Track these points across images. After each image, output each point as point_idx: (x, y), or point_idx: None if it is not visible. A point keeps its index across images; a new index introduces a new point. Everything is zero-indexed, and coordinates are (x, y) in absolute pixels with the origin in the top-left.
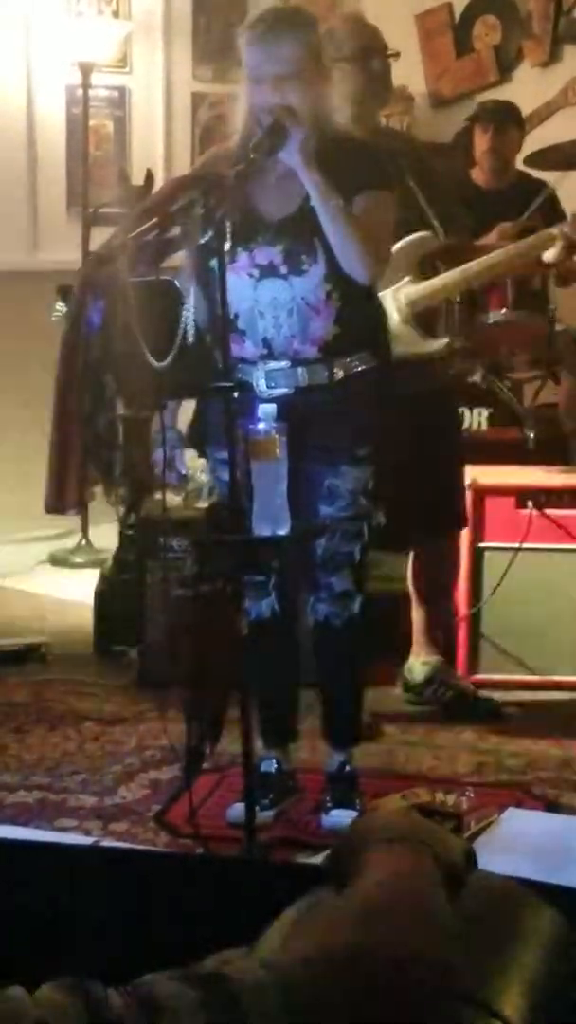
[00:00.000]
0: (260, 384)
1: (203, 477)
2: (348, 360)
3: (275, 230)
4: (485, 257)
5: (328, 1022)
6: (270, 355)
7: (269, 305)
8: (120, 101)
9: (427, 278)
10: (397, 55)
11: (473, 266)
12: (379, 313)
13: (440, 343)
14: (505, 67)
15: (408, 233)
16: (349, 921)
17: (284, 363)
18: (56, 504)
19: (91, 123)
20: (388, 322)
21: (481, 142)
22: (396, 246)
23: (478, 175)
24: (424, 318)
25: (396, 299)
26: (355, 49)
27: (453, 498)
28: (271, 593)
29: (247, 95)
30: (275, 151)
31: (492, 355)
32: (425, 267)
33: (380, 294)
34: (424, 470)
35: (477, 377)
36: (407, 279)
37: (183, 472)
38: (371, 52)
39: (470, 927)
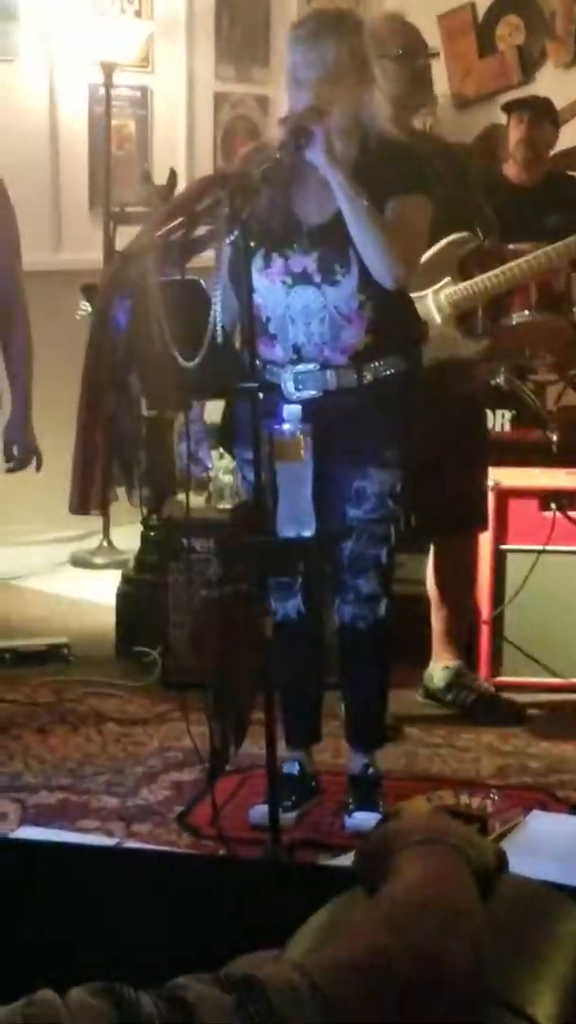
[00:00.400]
0: (288, 386)
1: (226, 478)
2: (378, 364)
3: (310, 237)
4: (527, 257)
5: None
6: (300, 360)
7: (301, 312)
8: (142, 101)
9: (468, 279)
10: (437, 54)
11: (514, 267)
12: (412, 317)
13: (481, 344)
14: (528, 68)
15: (446, 235)
16: (382, 924)
17: (313, 366)
18: (80, 505)
19: (113, 123)
20: (419, 326)
21: (516, 132)
22: (436, 246)
23: (509, 169)
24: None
25: (437, 300)
26: (396, 48)
27: (478, 498)
28: (297, 594)
29: (288, 96)
30: (300, 151)
31: (515, 356)
32: (466, 268)
33: (421, 295)
34: (451, 470)
35: (500, 379)
36: (448, 280)
37: (208, 465)
38: (412, 51)
39: (502, 930)
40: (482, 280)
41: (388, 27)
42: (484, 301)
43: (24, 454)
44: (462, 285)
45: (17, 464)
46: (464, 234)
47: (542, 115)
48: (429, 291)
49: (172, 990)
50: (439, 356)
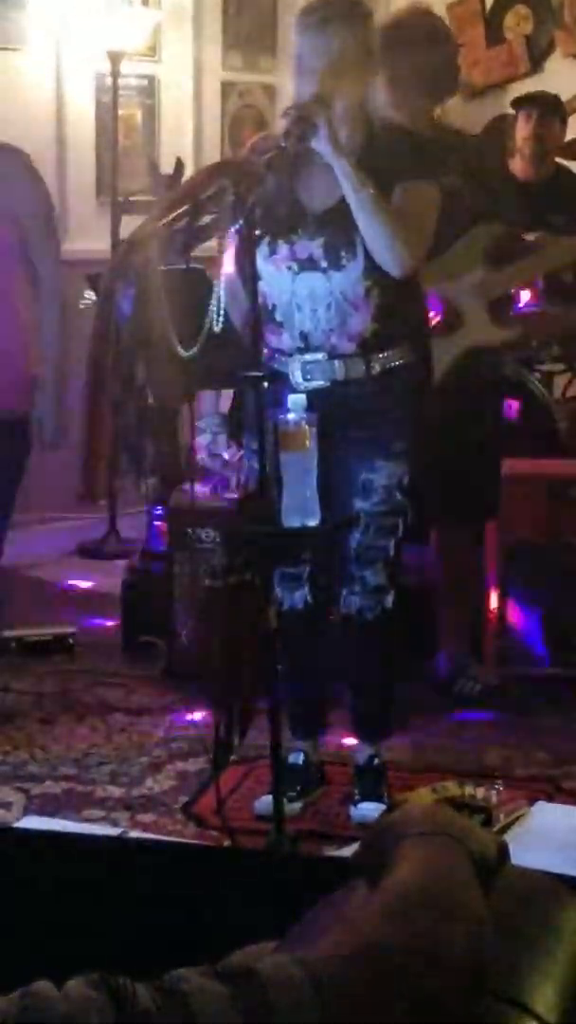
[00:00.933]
0: (296, 376)
1: (228, 462)
2: (386, 355)
3: (316, 223)
4: (555, 246)
5: (359, 1018)
6: (307, 348)
7: (307, 299)
8: (150, 90)
9: (498, 267)
10: (462, 44)
11: (545, 254)
12: (420, 307)
13: (514, 331)
14: (536, 57)
15: (475, 225)
16: (381, 916)
17: (320, 356)
18: (87, 493)
19: (120, 112)
20: (429, 316)
21: (524, 128)
22: (468, 235)
23: (516, 165)
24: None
25: (468, 288)
26: (423, 38)
27: (492, 487)
28: (304, 585)
29: (295, 84)
30: (304, 140)
31: (523, 346)
32: (495, 255)
33: (452, 283)
34: (465, 458)
35: (507, 369)
36: (478, 268)
37: (226, 458)
38: (439, 41)
39: (503, 922)
40: (515, 267)
41: (415, 17)
42: (516, 287)
43: (54, 437)
44: (494, 273)
45: (47, 447)
46: (494, 223)
47: (551, 112)
48: (461, 279)
49: (169, 982)
50: (472, 344)
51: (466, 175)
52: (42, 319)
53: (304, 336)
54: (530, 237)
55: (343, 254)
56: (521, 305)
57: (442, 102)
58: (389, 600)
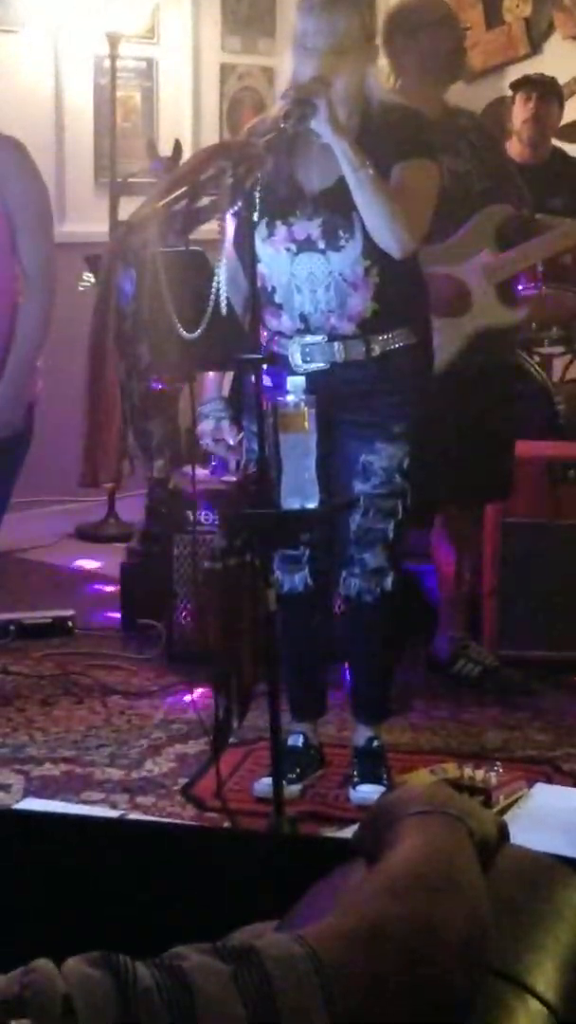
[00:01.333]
0: (295, 358)
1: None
2: (386, 336)
3: (314, 203)
4: (563, 228)
5: (359, 995)
6: (307, 330)
7: (306, 280)
8: (148, 72)
9: (505, 248)
10: (469, 28)
11: (553, 236)
12: (420, 289)
13: (520, 312)
14: (536, 40)
15: (484, 206)
16: (381, 893)
17: (320, 338)
18: (90, 479)
19: (119, 94)
20: (428, 298)
21: (523, 111)
22: (477, 216)
23: (513, 148)
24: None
25: (479, 268)
26: (431, 22)
27: (507, 468)
28: (305, 567)
29: (293, 63)
30: (304, 121)
31: (522, 329)
32: (503, 237)
33: (461, 265)
34: (480, 440)
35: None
36: (485, 250)
37: (231, 443)
38: (447, 24)
39: (502, 901)
40: (521, 249)
41: (423, 3)
42: (524, 269)
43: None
44: (501, 255)
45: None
46: (502, 205)
47: (549, 94)
48: (477, 258)
49: (170, 960)
50: (480, 326)
51: (475, 158)
52: (21, 310)
53: (304, 318)
54: (541, 217)
55: (341, 234)
56: (520, 288)
57: (450, 86)
58: (389, 582)
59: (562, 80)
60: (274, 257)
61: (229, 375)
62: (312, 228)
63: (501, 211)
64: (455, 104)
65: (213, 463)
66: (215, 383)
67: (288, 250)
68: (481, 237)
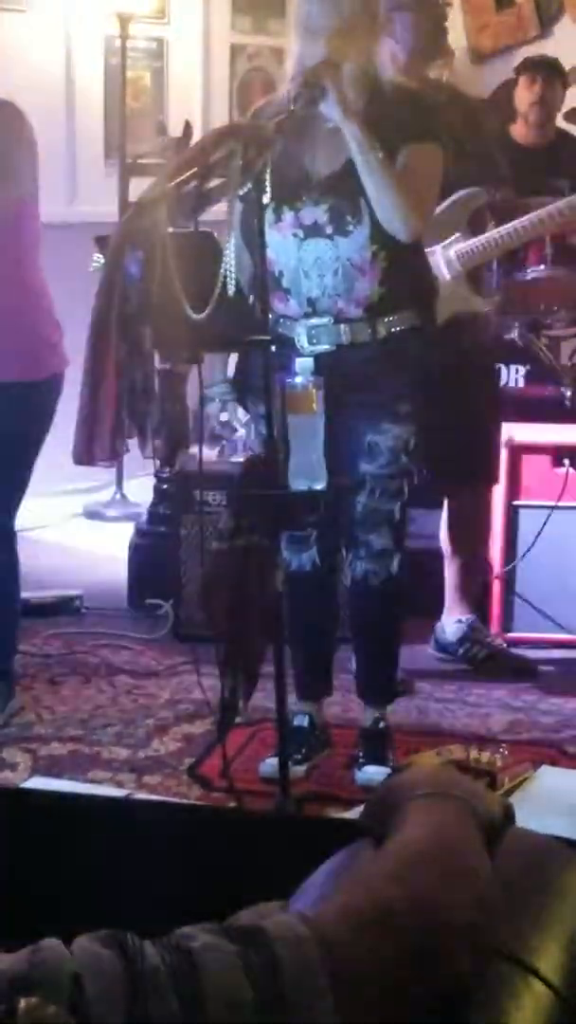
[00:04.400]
0: (302, 340)
1: (240, 430)
2: (392, 319)
3: (321, 188)
4: (536, 212)
5: (365, 976)
6: (314, 313)
7: (314, 265)
8: (158, 52)
9: (478, 234)
10: (450, 4)
11: (524, 222)
12: (425, 272)
13: (492, 299)
14: (546, 21)
15: (458, 189)
16: (387, 875)
17: (327, 320)
18: (84, 456)
19: (129, 75)
20: (434, 280)
21: (528, 94)
22: (447, 202)
23: (518, 131)
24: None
25: (447, 255)
26: (408, 1)
27: (490, 453)
28: (313, 546)
29: (298, 45)
30: (314, 104)
31: (530, 311)
32: (477, 223)
33: (430, 250)
34: (463, 425)
35: (514, 334)
36: (458, 235)
37: (237, 427)
38: (429, 2)
39: (507, 883)
40: (492, 235)
41: None
42: (495, 256)
43: None
44: (472, 241)
45: None
46: (475, 189)
47: (553, 76)
48: (439, 246)
49: (177, 939)
50: (449, 312)
51: (449, 139)
52: None
53: (311, 302)
54: (526, 201)
55: (349, 219)
56: (528, 270)
57: (432, 63)
58: (395, 565)
59: (571, 62)
60: (281, 242)
61: (234, 357)
62: (319, 213)
63: (474, 195)
64: (439, 80)
65: (223, 443)
66: (220, 365)
67: (296, 235)
68: (453, 221)
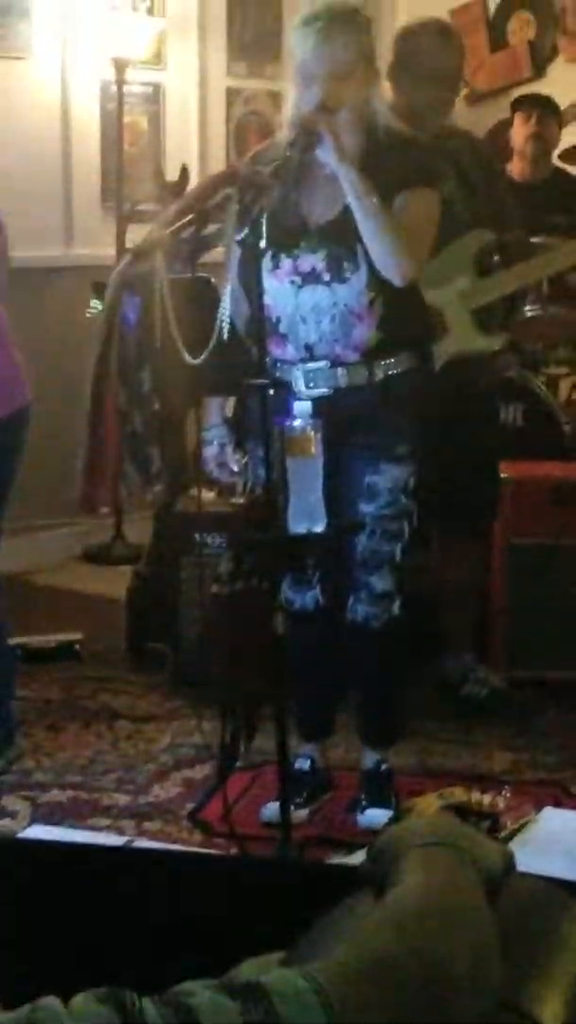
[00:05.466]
0: (299, 384)
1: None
2: (389, 362)
3: (318, 235)
4: (544, 255)
5: None
6: (311, 358)
7: (311, 311)
8: (155, 97)
9: (483, 275)
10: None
11: (532, 263)
12: (422, 314)
13: (497, 339)
14: (539, 63)
15: (472, 228)
16: (388, 929)
17: (324, 364)
18: (88, 504)
19: (126, 119)
20: (430, 322)
21: (524, 129)
22: (454, 243)
23: (514, 168)
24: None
25: (454, 296)
26: (430, 42)
27: (492, 494)
28: (316, 586)
29: (296, 92)
30: (310, 149)
31: (527, 350)
32: (482, 264)
33: (437, 291)
34: (464, 464)
35: (512, 372)
36: (463, 276)
37: (235, 469)
38: (445, 45)
39: (509, 932)
40: (499, 276)
41: (429, 23)
42: (501, 296)
43: None
44: (479, 281)
45: None
46: (482, 230)
47: (549, 112)
48: (446, 287)
49: (177, 996)
50: (456, 351)
51: (462, 182)
52: None
53: (309, 347)
54: (536, 241)
55: (346, 266)
56: (527, 309)
57: (451, 111)
58: (396, 607)
59: (565, 102)
60: (279, 289)
61: (231, 400)
62: (317, 261)
63: (480, 237)
64: (452, 124)
65: (221, 485)
66: (218, 407)
67: (293, 283)
68: (458, 263)
